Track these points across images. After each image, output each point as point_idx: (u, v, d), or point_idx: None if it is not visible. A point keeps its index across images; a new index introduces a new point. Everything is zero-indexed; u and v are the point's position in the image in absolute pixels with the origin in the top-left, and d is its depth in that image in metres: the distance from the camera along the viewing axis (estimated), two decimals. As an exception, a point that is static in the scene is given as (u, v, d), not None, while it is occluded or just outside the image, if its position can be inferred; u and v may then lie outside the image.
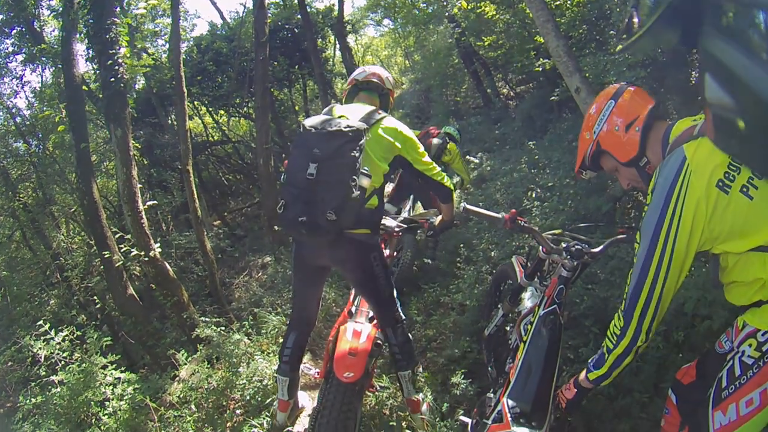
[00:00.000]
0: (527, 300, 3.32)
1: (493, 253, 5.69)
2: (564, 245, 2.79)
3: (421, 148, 3.39)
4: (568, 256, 2.73)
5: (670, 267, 1.89)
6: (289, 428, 3.74)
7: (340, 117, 3.15)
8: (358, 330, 3.27)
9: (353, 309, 3.74)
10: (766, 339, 1.83)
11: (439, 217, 3.94)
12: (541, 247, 2.87)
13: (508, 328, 3.68)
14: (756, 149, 1.75)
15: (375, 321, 3.61)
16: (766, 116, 1.60)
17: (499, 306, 4.04)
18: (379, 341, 3.40)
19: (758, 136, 1.69)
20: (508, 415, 2.40)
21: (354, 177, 2.88)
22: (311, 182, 2.86)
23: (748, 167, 1.81)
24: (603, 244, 2.89)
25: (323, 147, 2.90)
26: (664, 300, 1.94)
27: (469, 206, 2.77)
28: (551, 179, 6.33)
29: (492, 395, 3.04)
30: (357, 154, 2.91)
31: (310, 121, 3.06)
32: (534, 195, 6.27)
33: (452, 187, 3.59)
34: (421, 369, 4.15)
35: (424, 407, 3.63)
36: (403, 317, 3.53)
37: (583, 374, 2.33)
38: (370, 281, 3.36)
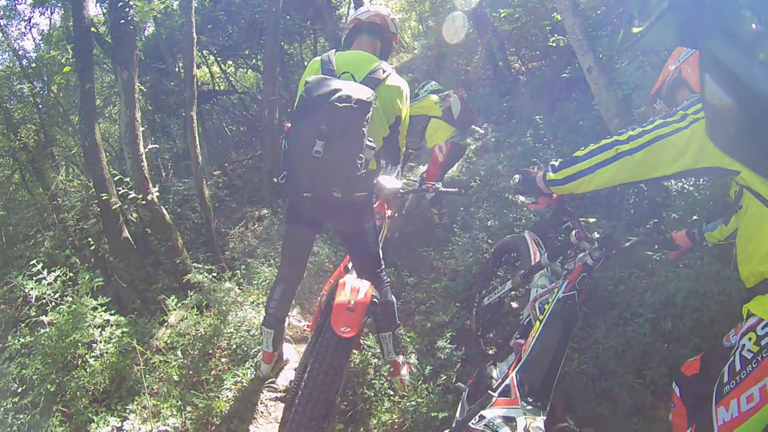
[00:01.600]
0: (539, 279, 3.37)
1: (490, 222, 5.73)
2: (597, 235, 2.82)
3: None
4: (599, 246, 2.77)
5: (685, 129, 1.95)
6: (273, 380, 3.80)
7: (344, 74, 3.14)
8: (356, 286, 3.24)
9: (349, 266, 3.76)
10: (765, 332, 1.82)
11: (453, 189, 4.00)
12: (575, 232, 2.87)
13: (511, 302, 3.74)
14: (755, 148, 1.79)
15: None
16: (765, 116, 1.63)
17: (497, 276, 4.10)
18: (375, 299, 3.37)
19: (757, 135, 1.73)
20: (517, 390, 2.47)
21: (361, 154, 2.87)
22: (317, 159, 2.82)
23: (743, 165, 1.84)
24: (631, 242, 3.02)
25: (331, 123, 2.83)
26: (660, 145, 2.00)
27: (517, 178, 2.71)
28: (555, 156, 6.33)
29: (493, 367, 3.08)
30: (365, 129, 2.88)
31: (316, 88, 2.93)
32: (536, 169, 6.27)
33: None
34: (403, 331, 4.17)
35: (404, 370, 3.68)
36: (387, 279, 3.56)
37: (540, 173, 2.51)
38: (359, 236, 3.41)
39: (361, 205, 3.29)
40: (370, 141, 2.95)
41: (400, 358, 3.65)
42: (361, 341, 4.02)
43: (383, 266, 3.55)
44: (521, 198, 2.74)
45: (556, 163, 2.36)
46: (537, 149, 6.83)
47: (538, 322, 2.71)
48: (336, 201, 2.89)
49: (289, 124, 3.03)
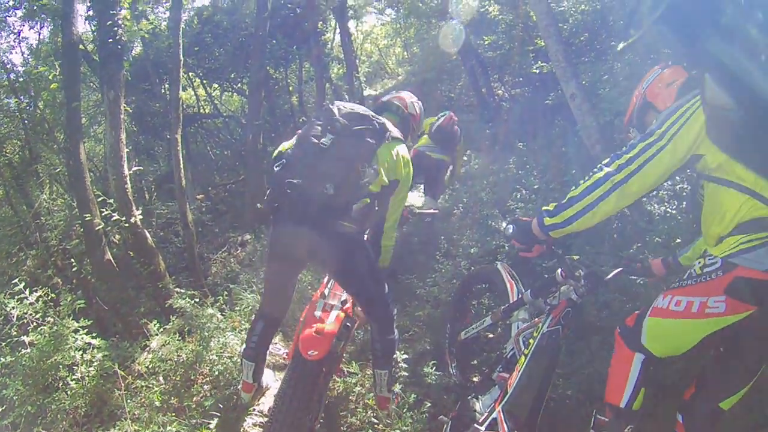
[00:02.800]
0: (519, 313, 3.35)
1: (473, 249, 5.69)
2: (582, 272, 2.83)
3: (406, 192, 3.37)
4: (585, 283, 2.79)
5: (670, 143, 2.11)
6: (254, 407, 3.76)
7: None
8: (327, 310, 3.27)
9: (326, 291, 3.66)
10: (710, 262, 2.17)
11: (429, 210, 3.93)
12: (560, 270, 2.88)
13: (488, 334, 3.70)
14: (755, 148, 1.92)
15: (347, 305, 3.55)
16: (765, 115, 1.68)
17: (470, 308, 4.06)
18: (348, 324, 3.38)
19: (756, 134, 1.85)
20: (505, 425, 2.51)
21: (365, 163, 2.87)
22: (322, 150, 2.85)
23: (744, 165, 2.00)
24: (613, 273, 3.06)
25: (349, 123, 2.93)
26: (651, 167, 2.15)
27: (511, 228, 2.69)
28: (538, 182, 6.35)
29: (475, 400, 3.08)
30: (373, 146, 2.92)
31: (340, 102, 3.08)
32: (519, 196, 6.28)
33: (385, 246, 3.54)
34: (399, 369, 4.05)
35: (392, 407, 3.59)
36: (394, 315, 3.42)
37: (534, 220, 2.52)
38: (353, 278, 3.26)
39: (351, 243, 3.10)
40: (376, 167, 2.93)
41: (390, 395, 3.55)
42: (343, 368, 3.97)
43: (390, 303, 3.38)
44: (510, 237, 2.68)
45: (551, 208, 2.40)
46: (520, 176, 6.85)
47: (523, 357, 2.72)
48: (324, 201, 2.78)
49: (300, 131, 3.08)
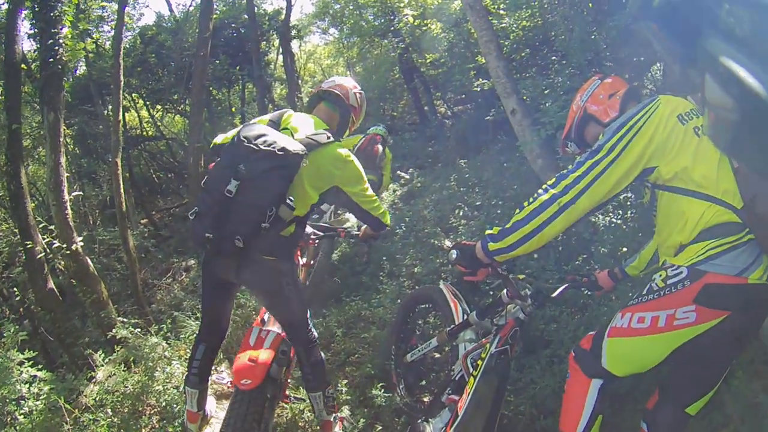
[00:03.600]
0: (465, 333, 3.28)
1: (416, 269, 5.64)
2: (529, 291, 2.77)
3: (364, 183, 3.12)
4: (532, 302, 2.74)
5: (619, 158, 2.11)
6: None
7: (284, 129, 2.95)
8: (262, 336, 3.21)
9: (266, 316, 3.62)
10: (673, 273, 2.09)
11: (363, 229, 3.75)
12: (506, 291, 2.80)
13: (434, 354, 3.63)
14: (755, 148, 1.86)
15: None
16: (765, 116, 1.66)
17: (416, 329, 3.98)
18: (284, 349, 3.29)
19: (757, 134, 1.80)
20: None
21: (273, 207, 2.67)
22: (228, 199, 2.65)
23: (745, 164, 2.00)
24: (559, 289, 2.94)
25: (250, 165, 2.66)
26: (598, 186, 2.12)
27: (454, 254, 2.53)
28: (480, 198, 6.36)
29: (426, 423, 3.03)
30: (285, 182, 2.70)
31: (247, 130, 2.78)
32: (461, 213, 6.27)
33: (389, 225, 3.38)
34: (338, 388, 4.02)
35: (337, 428, 3.53)
36: (316, 337, 3.36)
37: (478, 245, 2.38)
38: (279, 305, 3.19)
39: (275, 272, 3.01)
40: (291, 201, 2.74)
41: (332, 417, 3.47)
42: (290, 394, 3.85)
43: (311, 326, 3.33)
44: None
45: (495, 232, 2.28)
46: (462, 193, 6.86)
47: (472, 378, 2.65)
48: (238, 253, 2.69)
49: (212, 165, 2.92)
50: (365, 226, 3.67)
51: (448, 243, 5.86)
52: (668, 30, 2.05)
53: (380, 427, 3.73)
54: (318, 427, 3.64)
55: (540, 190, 2.20)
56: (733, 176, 2.07)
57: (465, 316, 3.31)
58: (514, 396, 3.55)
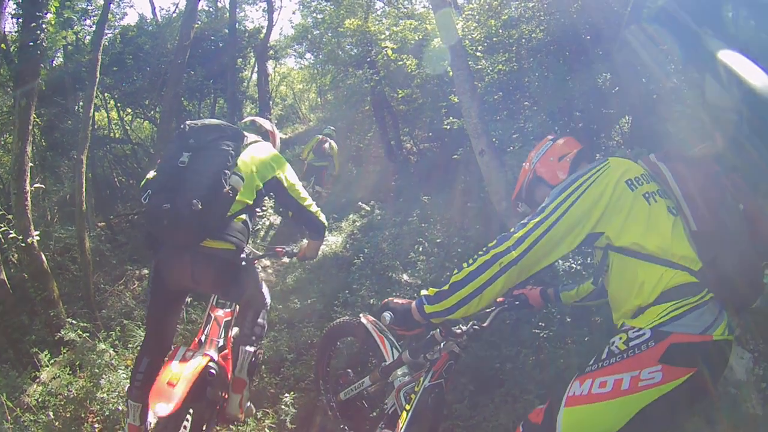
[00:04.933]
0: (401, 370, 3.20)
1: (372, 300, 5.60)
2: (462, 328, 2.72)
3: (298, 181, 3.49)
4: (466, 337, 2.70)
5: (561, 218, 2.08)
6: None
7: None
8: (187, 358, 3.21)
9: (203, 338, 3.61)
10: (635, 335, 2.04)
11: (302, 246, 3.89)
12: (439, 330, 2.73)
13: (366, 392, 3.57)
14: (754, 148, 1.89)
15: (223, 352, 3.61)
16: (765, 116, 1.68)
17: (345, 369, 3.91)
18: (212, 371, 3.34)
19: (756, 134, 1.84)
20: None
21: (226, 171, 2.95)
22: (181, 169, 2.93)
23: (745, 164, 2.02)
24: (490, 317, 2.92)
25: (199, 137, 3.03)
26: (541, 245, 2.08)
27: (388, 317, 2.43)
28: (441, 236, 6.36)
29: None
30: (231, 150, 3.01)
31: (190, 121, 3.17)
32: (421, 249, 6.26)
33: (325, 224, 3.67)
34: (285, 411, 4.06)
35: (246, 393, 3.58)
36: (267, 303, 3.66)
37: (413, 306, 2.29)
38: (237, 294, 3.48)
39: (225, 262, 3.20)
40: (240, 173, 3.06)
41: (248, 381, 3.56)
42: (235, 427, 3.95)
43: (263, 293, 3.62)
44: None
45: (431, 294, 2.20)
46: (423, 229, 6.86)
47: (404, 412, 2.63)
48: (195, 220, 2.84)
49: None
50: (304, 244, 3.89)
51: (405, 277, 5.83)
52: (668, 32, 2.08)
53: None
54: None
55: (480, 252, 2.16)
56: (687, 241, 2.10)
57: (394, 351, 3.33)
58: (467, 433, 3.49)
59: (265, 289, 3.65)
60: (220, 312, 3.82)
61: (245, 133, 3.29)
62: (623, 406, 2.00)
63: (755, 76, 1.65)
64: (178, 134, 3.14)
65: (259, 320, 3.55)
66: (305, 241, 3.94)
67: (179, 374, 3.01)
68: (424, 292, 2.24)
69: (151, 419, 3.59)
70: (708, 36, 1.81)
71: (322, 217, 3.59)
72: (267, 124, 3.86)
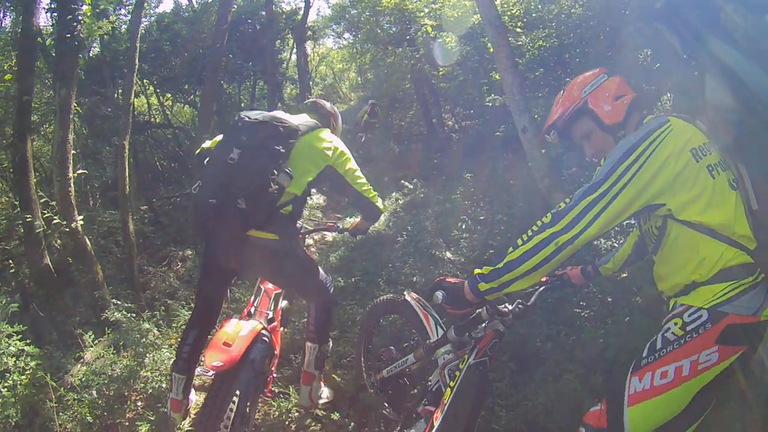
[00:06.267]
0: (444, 348, 3.21)
1: (415, 278, 5.61)
2: (509, 307, 2.72)
3: (355, 165, 3.45)
4: (512, 316, 2.69)
5: (620, 193, 2.00)
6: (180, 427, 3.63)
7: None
8: (241, 325, 3.25)
9: (252, 309, 3.71)
10: (692, 318, 2.01)
11: (353, 222, 3.98)
12: (486, 308, 2.71)
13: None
14: (755, 148, 1.89)
15: (273, 323, 3.66)
16: (765, 116, 1.65)
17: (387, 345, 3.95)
18: (265, 338, 3.39)
19: (757, 134, 1.82)
20: None
21: (274, 170, 2.98)
22: (231, 166, 2.96)
23: (745, 165, 1.98)
24: (534, 296, 2.91)
25: (250, 134, 3.02)
26: (599, 223, 2.01)
27: (440, 296, 2.43)
28: (484, 213, 6.35)
29: None
30: (282, 149, 3.02)
31: (246, 112, 3.17)
32: (464, 227, 6.26)
33: (383, 209, 3.67)
34: (329, 348, 4.04)
35: (316, 384, 3.71)
36: (330, 298, 3.68)
37: (467, 284, 2.28)
38: (285, 282, 3.60)
39: (276, 254, 3.24)
40: (289, 170, 3.06)
41: (317, 372, 3.68)
42: (274, 389, 3.91)
43: (325, 286, 3.63)
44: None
45: (485, 272, 2.20)
46: (466, 206, 6.85)
47: (449, 389, 2.61)
48: (240, 217, 2.93)
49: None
50: (355, 220, 3.99)
51: (449, 255, 5.84)
52: (670, 30, 2.04)
53: (367, 430, 3.75)
54: (310, 424, 3.74)
55: (534, 228, 2.11)
56: (745, 219, 2.03)
57: (438, 329, 3.34)
58: (506, 411, 3.54)
59: (325, 278, 3.65)
60: (270, 285, 3.86)
61: (301, 124, 3.24)
62: (685, 392, 2.00)
63: (755, 76, 1.62)
64: (231, 127, 3.16)
65: (324, 315, 3.64)
66: (356, 218, 4.03)
67: (235, 335, 3.10)
68: (477, 270, 2.23)
69: (193, 398, 3.71)
70: (709, 36, 1.78)
71: (380, 203, 3.59)
72: (327, 105, 3.79)
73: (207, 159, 3.17)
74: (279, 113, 3.26)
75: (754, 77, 1.64)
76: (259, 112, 3.20)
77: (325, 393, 3.96)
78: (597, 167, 2.17)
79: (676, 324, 2.04)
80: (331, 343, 3.88)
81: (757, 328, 2.00)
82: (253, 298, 3.84)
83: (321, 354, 3.67)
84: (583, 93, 2.43)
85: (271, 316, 3.68)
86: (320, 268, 3.64)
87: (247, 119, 3.09)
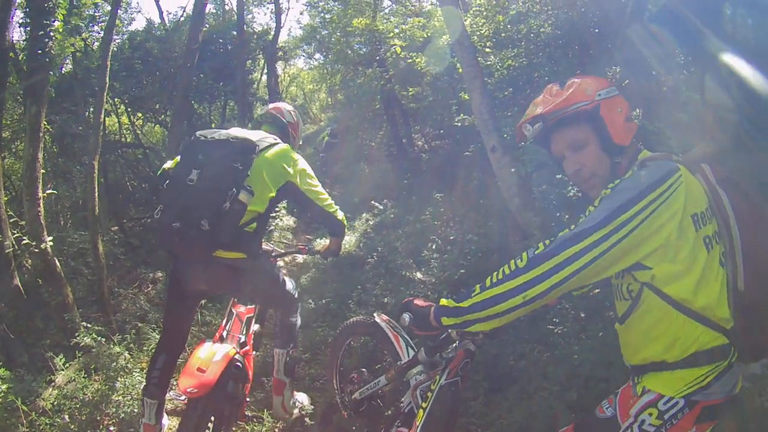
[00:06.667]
0: (416, 368, 3.15)
1: (386, 299, 5.58)
2: None
3: (315, 180, 3.48)
4: (481, 336, 2.65)
5: (615, 247, 1.70)
6: None
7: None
8: (214, 349, 3.21)
9: (224, 333, 3.66)
10: (668, 406, 1.81)
11: (324, 245, 4.00)
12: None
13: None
14: (754, 148, 1.77)
15: (246, 347, 3.63)
16: (765, 116, 1.61)
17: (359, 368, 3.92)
18: (238, 363, 3.37)
19: (757, 135, 1.73)
20: None
21: (233, 188, 2.93)
22: (190, 188, 2.92)
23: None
24: None
25: (207, 154, 3.00)
26: (578, 278, 1.73)
27: (407, 318, 2.35)
28: (454, 233, 6.36)
29: None
30: (240, 166, 2.98)
31: (202, 132, 3.17)
32: (435, 246, 6.26)
33: (344, 222, 3.70)
34: (297, 353, 4.12)
35: (288, 393, 3.75)
36: (295, 301, 3.79)
37: (431, 313, 2.14)
38: (253, 297, 3.66)
39: (240, 271, 3.24)
40: (249, 187, 3.01)
41: (287, 380, 3.72)
42: (248, 413, 3.94)
43: (288, 292, 3.72)
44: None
45: (450, 306, 1.99)
46: (436, 227, 6.86)
47: (421, 411, 2.59)
48: (204, 240, 2.89)
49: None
50: (325, 242, 4.02)
51: (419, 275, 5.83)
52: (668, 31, 2.00)
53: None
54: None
55: (506, 270, 1.84)
56: (726, 299, 1.80)
57: (409, 350, 3.32)
58: (481, 430, 3.53)
59: (290, 285, 3.73)
60: (241, 308, 3.84)
61: (259, 140, 3.21)
62: None
63: (755, 76, 1.61)
64: (188, 147, 3.15)
65: (290, 319, 3.70)
66: (326, 239, 4.07)
67: (208, 360, 3.06)
68: (444, 301, 2.07)
69: (165, 422, 3.64)
70: (709, 35, 1.77)
71: (341, 215, 3.61)
72: (285, 113, 3.76)
73: (167, 181, 3.13)
74: (236, 130, 3.27)
75: (754, 77, 1.62)
76: (215, 130, 3.20)
77: (302, 399, 4.01)
78: (588, 208, 1.84)
79: (651, 415, 1.85)
80: (296, 346, 3.93)
81: (732, 402, 1.88)
82: (224, 321, 3.79)
83: (290, 360, 3.70)
84: (597, 95, 1.98)
85: (243, 340, 3.65)
86: (280, 273, 3.73)
87: (203, 138, 3.08)
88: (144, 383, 3.61)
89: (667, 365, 1.84)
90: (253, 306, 3.91)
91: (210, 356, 3.11)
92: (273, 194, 3.23)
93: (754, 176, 1.82)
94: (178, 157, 3.27)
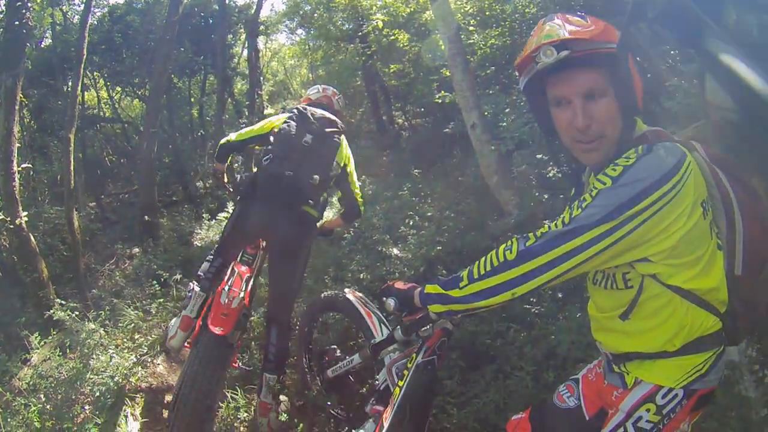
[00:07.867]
0: (391, 347, 3.17)
1: (362, 275, 5.58)
2: None
3: (354, 169, 4.02)
4: (459, 315, 2.61)
5: (616, 244, 1.55)
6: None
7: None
8: (231, 297, 3.57)
9: (226, 288, 3.72)
10: (666, 400, 1.72)
11: (330, 219, 4.51)
12: None
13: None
14: (756, 150, 1.70)
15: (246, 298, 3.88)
16: (765, 116, 1.53)
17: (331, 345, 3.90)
18: (245, 313, 3.76)
19: (758, 136, 1.61)
20: None
21: (336, 159, 3.69)
22: (306, 148, 3.55)
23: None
24: None
25: (321, 125, 3.65)
26: (569, 274, 1.59)
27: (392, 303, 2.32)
28: (432, 210, 6.33)
29: None
30: (338, 142, 3.72)
31: (303, 105, 3.80)
32: (412, 223, 6.23)
33: (362, 213, 4.19)
34: (284, 381, 4.11)
35: (273, 414, 3.77)
36: (291, 325, 4.08)
37: (416, 295, 2.11)
38: (290, 261, 3.84)
39: (308, 224, 3.85)
40: (338, 162, 3.75)
41: (273, 402, 3.79)
42: (227, 393, 4.05)
43: (292, 310, 4.14)
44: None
45: (437, 293, 1.90)
46: (414, 203, 6.83)
47: (397, 389, 2.57)
48: (309, 190, 3.55)
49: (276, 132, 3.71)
50: (334, 218, 4.54)
51: (396, 251, 5.79)
52: (668, 31, 1.94)
53: (317, 430, 3.84)
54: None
55: (494, 261, 1.70)
56: (725, 282, 1.70)
57: (382, 327, 3.38)
58: (457, 410, 3.51)
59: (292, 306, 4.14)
60: (243, 267, 4.05)
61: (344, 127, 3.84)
62: None
63: (755, 76, 1.55)
64: (298, 115, 3.66)
65: (282, 343, 3.87)
66: (335, 217, 4.57)
67: (228, 308, 3.49)
68: (430, 287, 1.97)
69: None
70: (710, 34, 1.71)
71: (362, 207, 4.10)
72: (335, 103, 4.27)
73: (273, 138, 3.62)
74: (324, 110, 3.86)
75: (755, 77, 1.56)
76: (312, 108, 3.78)
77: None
78: (585, 192, 1.70)
79: (649, 411, 1.75)
80: (286, 374, 4.12)
81: (715, 392, 1.85)
82: (226, 278, 3.91)
83: (279, 384, 3.83)
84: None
85: (242, 296, 3.80)
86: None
87: (314, 112, 3.69)
88: (200, 274, 4.02)
89: (664, 355, 1.75)
90: (252, 266, 4.21)
91: (229, 304, 3.52)
92: (338, 171, 3.81)
93: (754, 176, 1.76)
94: (246, 129, 3.98)
